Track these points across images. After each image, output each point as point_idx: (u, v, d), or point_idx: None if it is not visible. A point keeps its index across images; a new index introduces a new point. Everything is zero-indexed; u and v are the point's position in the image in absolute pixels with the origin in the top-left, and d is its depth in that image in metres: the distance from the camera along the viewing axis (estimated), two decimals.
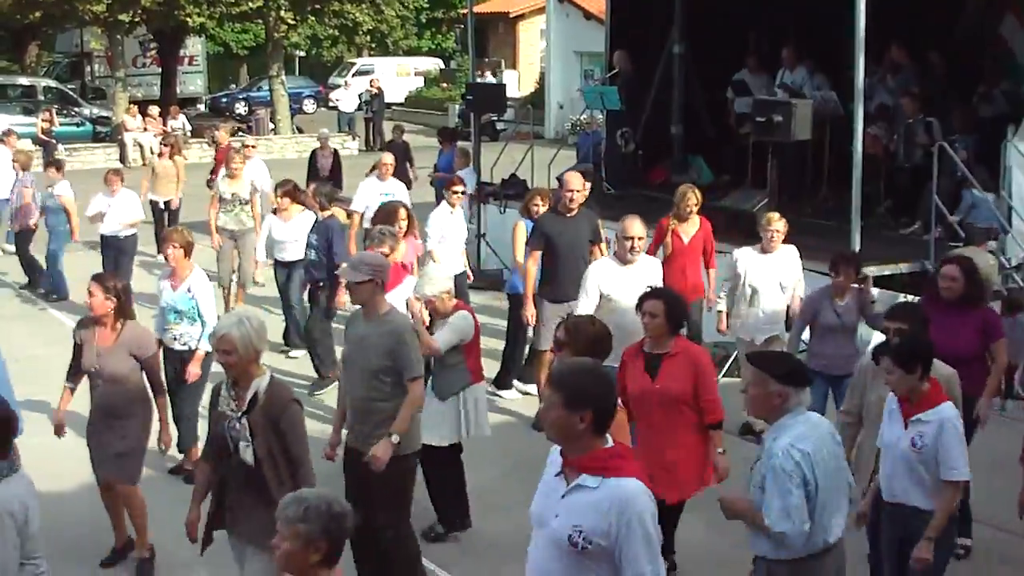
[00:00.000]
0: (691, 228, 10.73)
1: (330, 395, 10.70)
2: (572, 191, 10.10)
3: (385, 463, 6.63)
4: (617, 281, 8.77)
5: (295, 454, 5.79)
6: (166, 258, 9.09)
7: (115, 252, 14.43)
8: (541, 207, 10.78)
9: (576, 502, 4.22)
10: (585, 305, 8.84)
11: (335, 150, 20.12)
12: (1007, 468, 7.19)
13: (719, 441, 6.98)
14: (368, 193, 13.45)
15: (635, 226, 8.94)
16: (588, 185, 11.46)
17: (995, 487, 7.88)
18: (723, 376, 10.55)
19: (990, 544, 7.87)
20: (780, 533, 5.06)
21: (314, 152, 19.64)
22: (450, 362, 7.81)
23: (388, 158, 14.15)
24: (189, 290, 8.81)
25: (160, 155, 18.24)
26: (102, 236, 14.53)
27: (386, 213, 10.39)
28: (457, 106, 35.51)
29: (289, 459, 5.78)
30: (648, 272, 8.81)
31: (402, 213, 10.36)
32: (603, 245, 10.48)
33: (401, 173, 15.87)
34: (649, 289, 7.33)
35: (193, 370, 8.80)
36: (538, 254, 10.13)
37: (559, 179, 12.36)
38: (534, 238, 10.22)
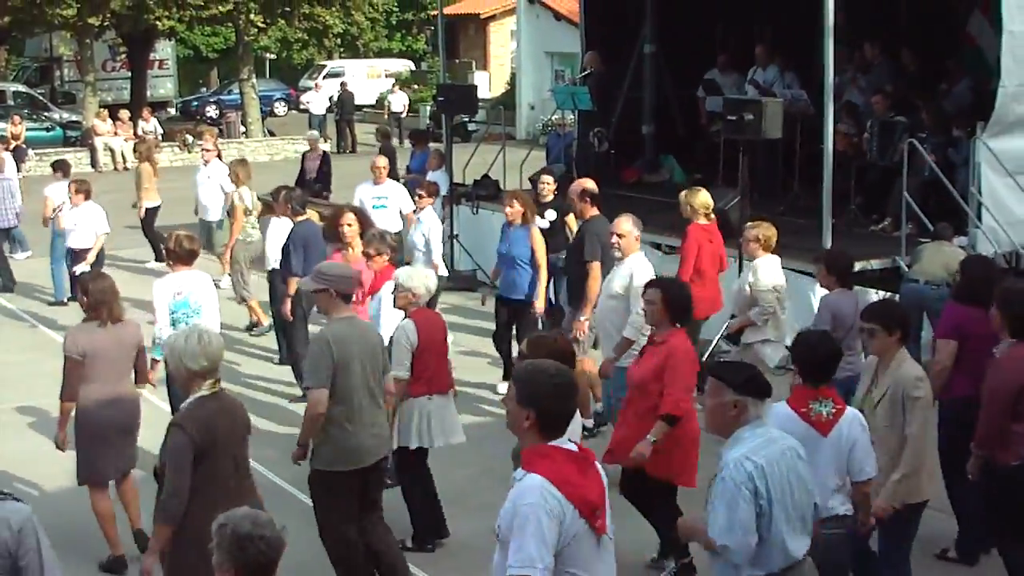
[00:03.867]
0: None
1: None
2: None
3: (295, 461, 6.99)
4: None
5: (166, 477, 5.62)
6: None
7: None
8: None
9: None
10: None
11: (324, 152, 20.05)
12: None
13: (658, 431, 6.89)
14: (361, 196, 13.50)
15: (620, 223, 8.96)
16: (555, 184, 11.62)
17: None
18: None
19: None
20: (723, 546, 4.83)
21: (304, 155, 19.63)
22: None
23: (381, 161, 14.09)
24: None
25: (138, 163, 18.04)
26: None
27: (332, 215, 10.46)
28: (428, 107, 35.47)
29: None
30: (631, 270, 8.78)
31: (348, 218, 10.14)
32: None
33: (393, 176, 15.75)
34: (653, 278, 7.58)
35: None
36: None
37: (531, 179, 12.37)
38: (596, 246, 9.83)
